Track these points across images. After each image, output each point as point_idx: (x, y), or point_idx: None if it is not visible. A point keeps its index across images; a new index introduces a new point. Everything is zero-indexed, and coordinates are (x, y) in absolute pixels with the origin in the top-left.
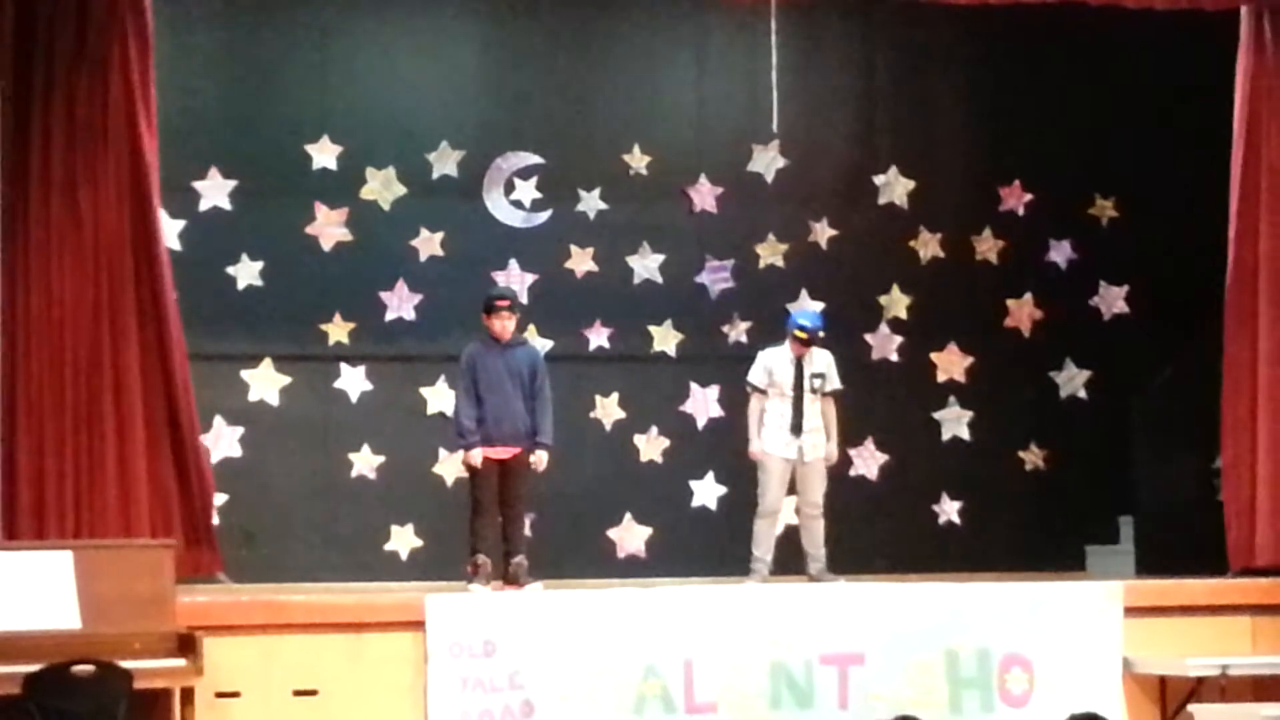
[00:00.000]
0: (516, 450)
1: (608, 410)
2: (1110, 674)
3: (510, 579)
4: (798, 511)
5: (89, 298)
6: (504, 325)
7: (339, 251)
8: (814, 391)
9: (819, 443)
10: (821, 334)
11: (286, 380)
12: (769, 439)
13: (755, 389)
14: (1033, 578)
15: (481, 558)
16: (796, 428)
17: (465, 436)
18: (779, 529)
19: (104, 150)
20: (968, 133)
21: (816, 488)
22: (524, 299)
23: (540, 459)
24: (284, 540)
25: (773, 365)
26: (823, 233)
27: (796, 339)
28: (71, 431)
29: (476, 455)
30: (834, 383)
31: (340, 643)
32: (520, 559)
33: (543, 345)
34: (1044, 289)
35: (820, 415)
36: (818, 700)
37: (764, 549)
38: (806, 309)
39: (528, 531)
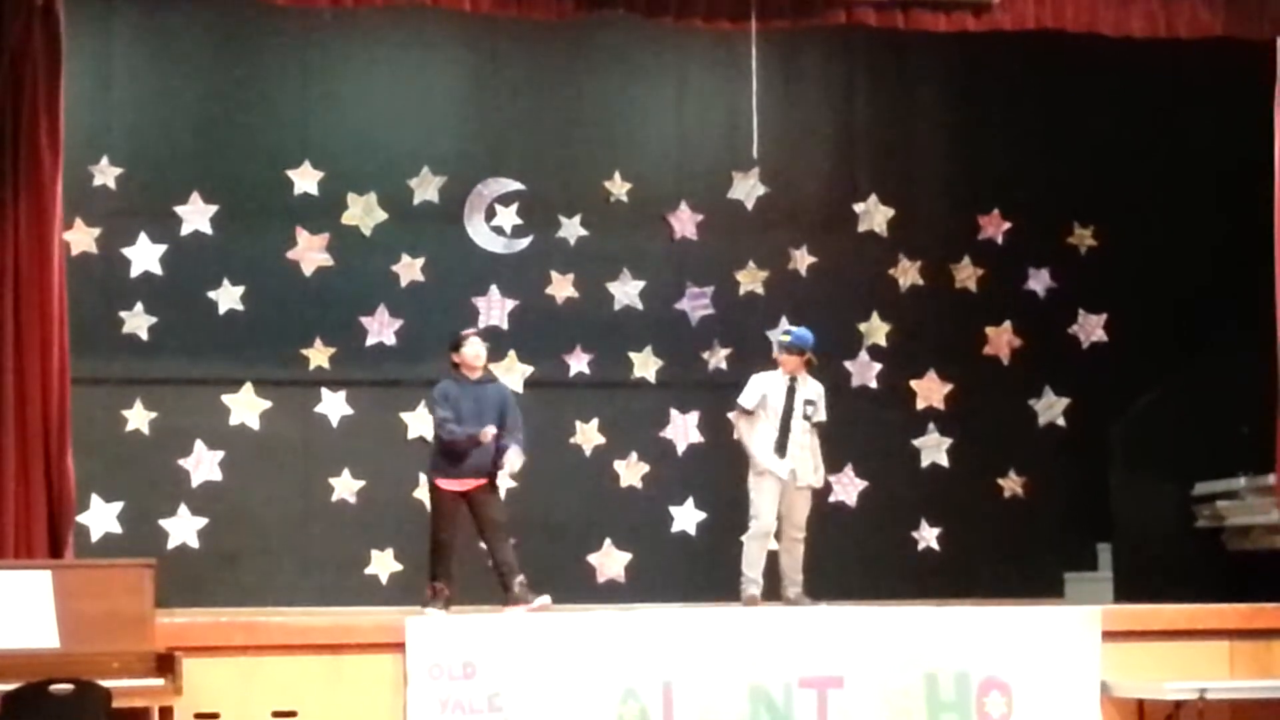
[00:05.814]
0: (480, 481)
1: (588, 436)
2: (1088, 698)
3: (517, 600)
4: (778, 535)
5: None
6: (476, 352)
7: (320, 276)
8: (806, 419)
9: (808, 467)
10: (812, 352)
11: (267, 404)
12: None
13: (744, 411)
14: (1011, 604)
15: (439, 584)
16: (781, 448)
17: (457, 425)
18: None
19: (11, 172)
20: (947, 161)
21: (802, 511)
22: (504, 325)
23: (512, 458)
24: (264, 564)
25: (766, 389)
26: (803, 260)
27: (789, 352)
28: None
29: (492, 430)
30: (821, 414)
31: (320, 664)
32: (520, 578)
33: (523, 371)
34: (1023, 317)
35: (807, 442)
36: None
37: (757, 569)
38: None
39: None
